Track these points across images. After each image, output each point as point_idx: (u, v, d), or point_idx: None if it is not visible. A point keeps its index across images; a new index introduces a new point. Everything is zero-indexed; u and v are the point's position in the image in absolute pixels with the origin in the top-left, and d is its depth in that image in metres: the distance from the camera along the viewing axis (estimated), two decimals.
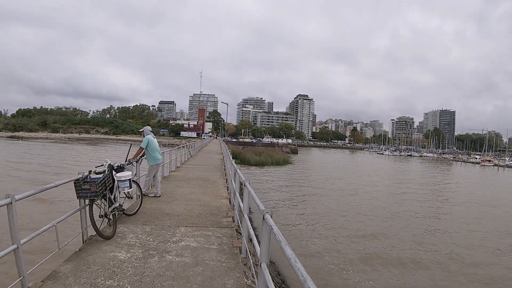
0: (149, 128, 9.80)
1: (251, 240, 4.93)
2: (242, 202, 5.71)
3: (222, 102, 46.00)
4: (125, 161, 8.43)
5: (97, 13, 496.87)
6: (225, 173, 15.62)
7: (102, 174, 5.96)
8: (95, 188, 5.57)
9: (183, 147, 23.67)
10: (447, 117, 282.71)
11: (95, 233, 5.77)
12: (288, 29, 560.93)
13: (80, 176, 5.75)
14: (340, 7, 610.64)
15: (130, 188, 6.80)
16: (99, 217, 5.96)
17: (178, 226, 6.78)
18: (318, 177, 40.45)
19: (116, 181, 6.67)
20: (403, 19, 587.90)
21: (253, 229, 5.12)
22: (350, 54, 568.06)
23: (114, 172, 6.81)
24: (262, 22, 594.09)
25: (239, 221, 7.15)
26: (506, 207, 26.74)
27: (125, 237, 6.03)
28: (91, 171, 6.04)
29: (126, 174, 6.71)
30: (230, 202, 9.41)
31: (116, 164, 7.07)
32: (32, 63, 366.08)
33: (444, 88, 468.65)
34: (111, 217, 6.24)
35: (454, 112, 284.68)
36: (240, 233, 6.37)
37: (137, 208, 7.76)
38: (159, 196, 9.64)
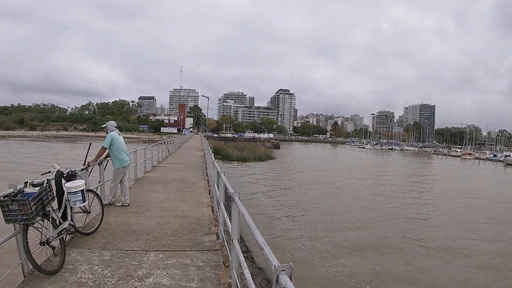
0: (113, 123, 8.16)
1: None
2: (231, 223, 4.20)
3: (202, 96, 44.46)
4: (84, 165, 6.89)
5: (77, 7, 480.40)
6: (206, 173, 14.11)
7: (39, 188, 4.40)
8: (26, 209, 4.01)
9: (161, 143, 21.99)
10: (427, 111, 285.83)
11: None
12: (271, 24, 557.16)
13: (12, 190, 4.19)
14: (322, 2, 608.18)
15: (84, 201, 5.26)
16: (40, 244, 4.40)
17: (147, 250, 5.19)
18: (302, 172, 39.51)
19: (65, 193, 5.15)
20: (384, 14, 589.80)
21: (245, 261, 3.61)
22: (331, 48, 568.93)
23: (64, 181, 5.29)
24: (244, 17, 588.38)
25: (223, 237, 5.69)
26: (488, 198, 27.18)
27: (76, 270, 4.47)
28: (27, 182, 4.47)
29: (77, 184, 5.17)
30: (212, 211, 7.95)
31: (67, 170, 5.53)
32: (9, 59, 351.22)
33: (424, 82, 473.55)
34: (57, 243, 4.70)
35: (434, 106, 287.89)
36: (228, 257, 4.91)
37: (96, 225, 6.18)
38: (128, 205, 8.03)
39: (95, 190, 6.71)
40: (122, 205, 7.99)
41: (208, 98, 42.50)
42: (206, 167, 16.00)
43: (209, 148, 17.36)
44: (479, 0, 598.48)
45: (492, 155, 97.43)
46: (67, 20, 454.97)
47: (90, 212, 6.07)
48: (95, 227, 6.13)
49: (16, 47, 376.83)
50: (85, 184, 5.44)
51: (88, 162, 6.98)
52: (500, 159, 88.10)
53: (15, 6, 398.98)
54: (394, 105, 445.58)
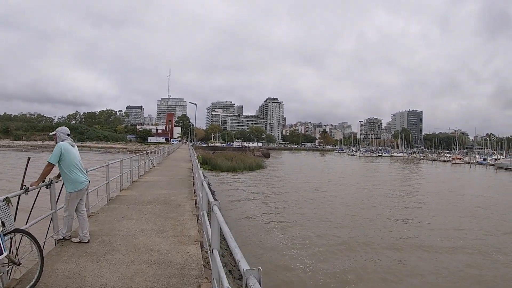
0: (65, 129, 5.95)
1: None
2: None
3: (190, 102, 42.59)
4: (21, 188, 4.91)
5: (64, 15, 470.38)
6: (194, 190, 12.10)
7: None
8: None
9: (144, 154, 19.82)
10: (415, 117, 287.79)
11: None
12: (257, 32, 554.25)
13: None
14: (307, 10, 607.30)
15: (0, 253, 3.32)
16: None
17: None
18: (296, 181, 37.91)
19: None
20: (369, 22, 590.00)
21: None
22: (317, 56, 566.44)
23: None
24: (231, 25, 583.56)
25: None
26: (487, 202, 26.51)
27: None
28: None
29: None
30: (202, 247, 5.97)
31: None
32: None
33: (410, 88, 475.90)
34: None
35: (421, 112, 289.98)
36: None
37: (34, 280, 4.15)
38: (87, 242, 5.94)
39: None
40: (80, 241, 5.94)
41: (196, 105, 40.72)
42: (193, 182, 14.01)
43: (197, 161, 15.26)
44: (462, 6, 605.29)
45: (482, 159, 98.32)
46: (54, 28, 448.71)
47: (19, 263, 4.07)
48: (32, 283, 4.12)
49: (2, 54, 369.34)
50: (2, 224, 3.48)
51: (25, 185, 4.98)
52: (490, 162, 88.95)
53: (2, 12, 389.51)
54: (381, 111, 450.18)
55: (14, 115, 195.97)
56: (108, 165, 9.65)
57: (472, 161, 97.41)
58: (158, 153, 27.72)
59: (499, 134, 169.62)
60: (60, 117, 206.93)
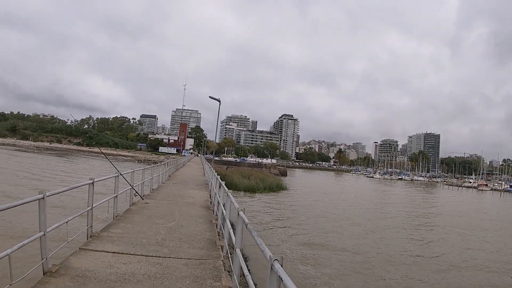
0: None
1: None
2: None
3: (210, 97, 33.16)
4: None
5: (82, 23, 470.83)
6: None
7: None
8: None
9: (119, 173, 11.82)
10: (432, 140, 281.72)
11: None
12: (269, 51, 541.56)
13: None
14: (318, 31, 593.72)
15: None
16: None
17: None
18: (331, 210, 30.78)
19: None
20: (381, 42, 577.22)
21: None
22: (329, 76, 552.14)
23: None
24: (244, 43, 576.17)
25: None
26: None
27: None
28: None
29: None
30: None
31: None
32: (15, 67, 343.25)
33: (421, 110, 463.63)
34: None
35: (438, 135, 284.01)
36: None
37: None
38: None
39: None
40: None
41: (219, 101, 32.49)
42: (228, 267, 6.13)
43: (231, 198, 6.95)
44: (473, 29, 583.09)
45: (508, 186, 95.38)
46: (72, 35, 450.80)
47: None
48: None
49: (21, 56, 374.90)
50: None
51: None
52: None
53: (23, 15, 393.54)
54: (392, 133, 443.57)
55: (27, 115, 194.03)
56: None
57: (498, 187, 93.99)
58: (166, 165, 21.46)
59: None
60: (73, 121, 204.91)
